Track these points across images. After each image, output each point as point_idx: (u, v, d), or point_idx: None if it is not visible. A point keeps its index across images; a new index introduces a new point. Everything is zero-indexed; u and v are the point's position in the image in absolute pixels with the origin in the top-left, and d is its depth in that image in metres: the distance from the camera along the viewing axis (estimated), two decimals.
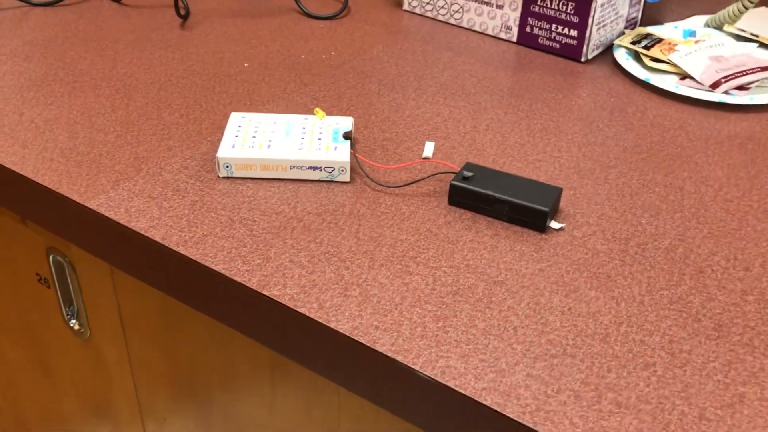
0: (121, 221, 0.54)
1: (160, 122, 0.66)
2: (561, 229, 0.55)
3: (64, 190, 0.57)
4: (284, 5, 0.92)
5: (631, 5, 0.85)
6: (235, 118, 0.63)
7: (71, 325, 0.76)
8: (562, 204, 0.58)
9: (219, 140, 0.64)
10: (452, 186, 0.57)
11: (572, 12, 0.79)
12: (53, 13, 0.87)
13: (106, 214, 0.55)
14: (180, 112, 0.68)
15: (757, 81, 0.74)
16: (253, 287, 0.49)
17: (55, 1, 0.88)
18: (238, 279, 0.49)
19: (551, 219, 0.56)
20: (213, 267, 0.50)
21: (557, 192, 0.56)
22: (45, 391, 0.89)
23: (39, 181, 0.58)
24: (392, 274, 0.50)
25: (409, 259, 0.52)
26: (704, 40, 0.81)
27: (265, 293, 0.48)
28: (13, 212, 0.63)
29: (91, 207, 0.55)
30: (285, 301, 0.48)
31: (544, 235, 0.55)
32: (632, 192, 0.60)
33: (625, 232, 0.55)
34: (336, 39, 0.83)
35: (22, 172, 0.59)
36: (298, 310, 0.47)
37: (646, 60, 0.78)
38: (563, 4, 0.79)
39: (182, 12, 0.88)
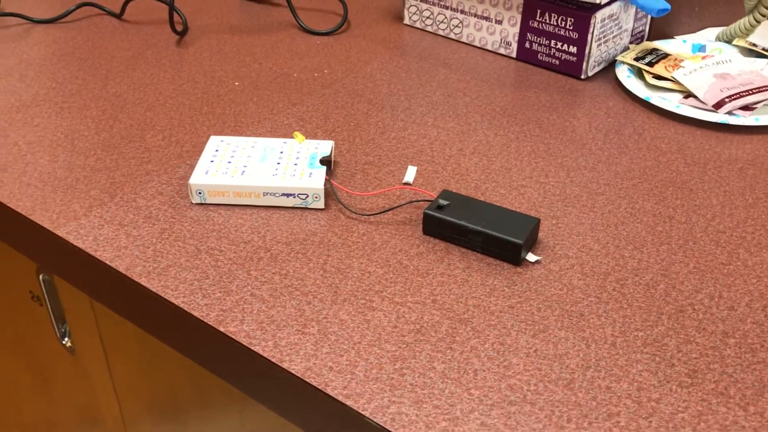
0: (88, 250, 0.54)
1: (142, 145, 0.66)
2: (537, 262, 0.53)
3: (37, 217, 0.57)
4: (284, 20, 0.91)
5: (636, 19, 0.82)
6: (214, 142, 0.63)
7: (64, 342, 0.77)
8: (541, 234, 0.56)
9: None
10: (426, 215, 0.55)
11: (571, 27, 0.76)
12: (54, 29, 0.87)
13: (74, 242, 0.54)
14: (163, 134, 0.67)
15: (763, 101, 0.70)
16: (210, 323, 0.48)
17: (55, 18, 0.88)
18: (195, 313, 0.48)
19: (527, 251, 0.54)
20: (172, 300, 0.49)
21: (534, 223, 0.54)
22: (46, 406, 0.90)
23: (13, 207, 0.58)
24: (354, 309, 0.49)
25: (374, 294, 0.50)
26: (712, 56, 0.77)
27: (221, 329, 0.47)
28: None
29: (60, 234, 0.55)
30: (240, 338, 0.47)
31: (518, 269, 0.53)
32: (618, 222, 0.57)
33: (605, 265, 0.53)
34: (331, 55, 0.82)
35: None
36: (252, 348, 0.46)
37: (648, 77, 0.75)
38: (562, 19, 0.76)
39: (178, 28, 0.88)
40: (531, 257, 0.53)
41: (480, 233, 0.53)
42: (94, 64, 0.80)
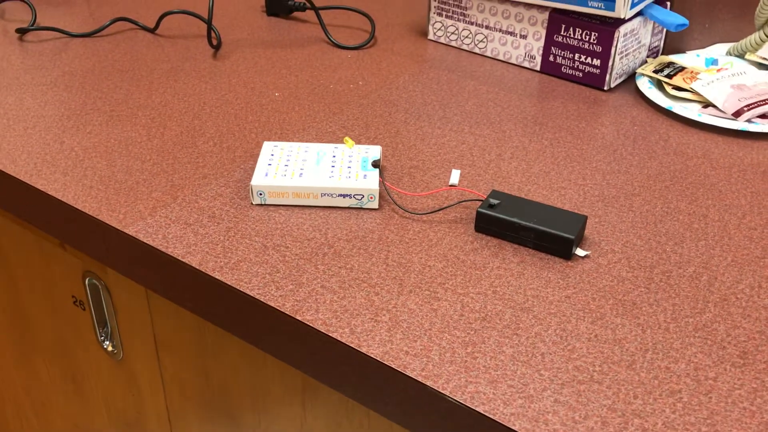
0: (159, 247, 0.56)
1: (195, 150, 0.68)
2: (586, 256, 0.57)
3: (104, 217, 0.59)
4: (312, 36, 0.94)
5: (653, 34, 0.86)
6: (268, 147, 0.65)
7: (105, 346, 0.78)
8: (587, 231, 0.59)
9: (252, 168, 0.66)
10: (479, 213, 0.58)
11: (595, 42, 0.80)
12: (91, 43, 0.90)
13: (145, 240, 0.57)
14: (214, 141, 0.70)
15: None
16: (287, 312, 0.50)
17: (92, 32, 0.91)
18: (272, 304, 0.51)
19: (577, 246, 0.57)
20: (248, 292, 0.52)
21: (582, 220, 0.57)
22: (77, 410, 0.91)
23: (80, 208, 0.60)
24: (421, 300, 0.52)
25: (437, 285, 0.53)
26: (726, 69, 0.82)
27: (299, 318, 0.50)
28: (53, 237, 0.65)
29: (129, 233, 0.57)
30: (318, 326, 0.49)
31: (569, 263, 0.56)
32: (656, 220, 0.61)
33: (649, 259, 0.56)
34: (363, 68, 0.85)
35: (64, 199, 0.61)
36: (330, 335, 0.49)
37: (668, 88, 0.80)
38: (586, 34, 0.80)
39: (214, 42, 0.91)
40: (580, 252, 0.57)
41: (532, 229, 0.56)
42: (135, 76, 0.82)
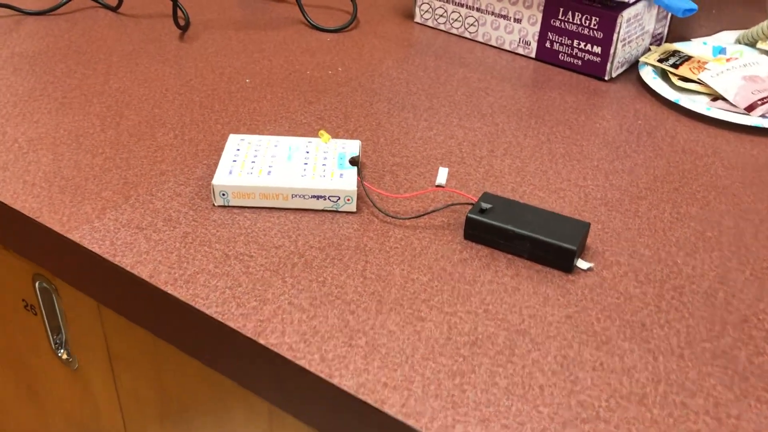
0: (106, 255, 0.49)
1: (153, 143, 0.61)
2: (589, 269, 0.50)
3: (45, 219, 0.52)
4: (290, 16, 0.87)
5: (657, 20, 0.80)
6: (234, 141, 0.59)
7: (59, 354, 0.71)
8: (589, 240, 0.53)
9: (216, 164, 0.59)
10: (469, 219, 0.52)
11: (596, 27, 0.74)
12: (46, 21, 0.82)
13: (89, 246, 0.50)
14: (175, 132, 0.63)
15: None
16: (248, 334, 0.44)
17: (48, 10, 0.83)
18: (231, 324, 0.44)
19: (578, 258, 0.51)
20: (204, 310, 0.45)
21: (585, 228, 0.51)
22: (33, 419, 0.84)
23: (18, 209, 0.53)
24: (402, 320, 0.45)
25: (422, 302, 0.47)
26: (736, 58, 0.75)
27: (261, 341, 0.43)
28: None
29: (73, 239, 0.51)
30: (283, 351, 0.43)
31: (570, 276, 0.50)
32: (665, 227, 0.55)
33: (659, 272, 0.50)
34: (344, 53, 0.79)
35: (0, 198, 0.54)
36: (297, 362, 0.42)
37: (674, 79, 0.73)
38: (586, 18, 0.74)
39: (181, 23, 0.84)
40: (582, 264, 0.50)
41: (528, 238, 0.50)
42: (92, 58, 0.75)
